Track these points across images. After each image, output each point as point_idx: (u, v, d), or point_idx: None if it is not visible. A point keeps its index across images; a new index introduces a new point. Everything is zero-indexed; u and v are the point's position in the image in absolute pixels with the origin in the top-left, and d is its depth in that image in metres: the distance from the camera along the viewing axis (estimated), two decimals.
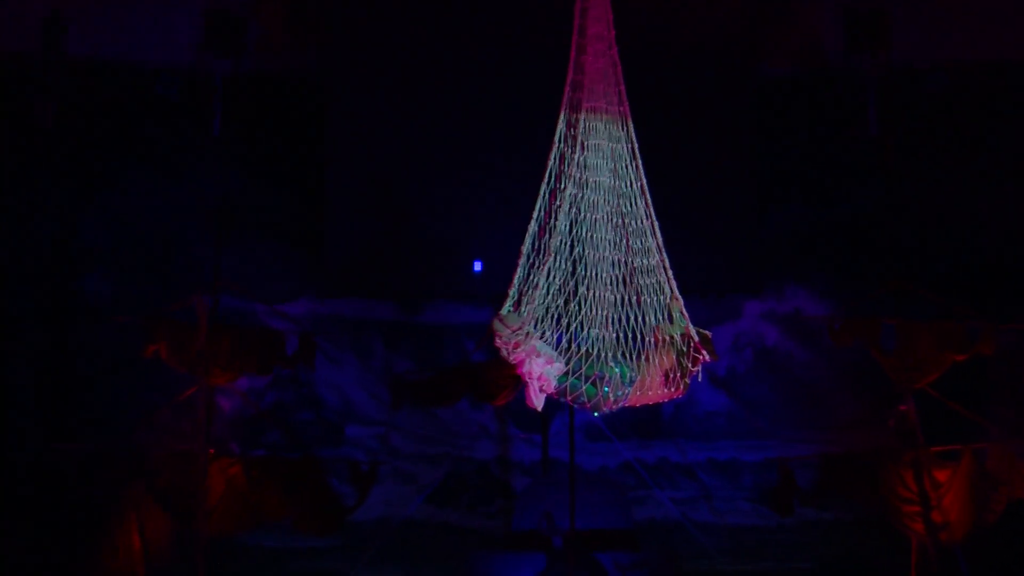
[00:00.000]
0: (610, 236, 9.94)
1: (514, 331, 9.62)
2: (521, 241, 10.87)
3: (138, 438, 14.26)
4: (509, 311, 9.85)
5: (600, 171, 10.01)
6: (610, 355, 9.73)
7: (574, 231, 9.79)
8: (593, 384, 9.72)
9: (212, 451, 13.80)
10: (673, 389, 10.34)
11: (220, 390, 14.37)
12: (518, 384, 12.37)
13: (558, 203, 9.84)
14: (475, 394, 13.71)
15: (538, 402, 9.78)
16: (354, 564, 16.54)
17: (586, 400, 9.88)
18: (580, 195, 9.85)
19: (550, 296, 9.70)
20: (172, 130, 16.79)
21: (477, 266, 16.46)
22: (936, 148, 16.76)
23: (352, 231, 16.71)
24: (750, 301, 17.48)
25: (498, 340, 9.78)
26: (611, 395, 9.83)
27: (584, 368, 9.71)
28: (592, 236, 9.85)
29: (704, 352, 10.30)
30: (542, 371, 9.61)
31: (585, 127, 10.04)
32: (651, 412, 16.00)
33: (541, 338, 9.68)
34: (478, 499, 17.30)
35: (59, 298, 16.44)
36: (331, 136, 16.73)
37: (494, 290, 13.71)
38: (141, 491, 13.52)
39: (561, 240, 9.76)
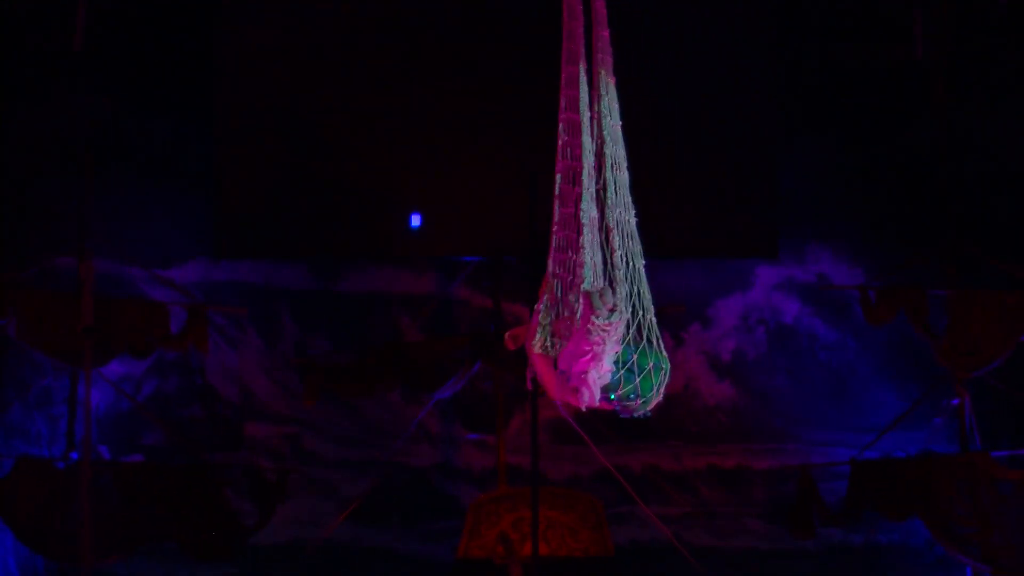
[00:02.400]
0: (630, 197, 9.46)
1: (611, 310, 8.84)
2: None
3: None
4: (595, 286, 9.03)
5: (615, 115, 9.39)
6: (662, 343, 9.06)
7: (610, 194, 9.19)
8: (648, 377, 8.85)
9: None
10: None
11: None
12: (468, 370, 13.22)
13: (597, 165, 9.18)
14: (411, 383, 13.76)
15: (594, 398, 8.72)
16: None
17: (638, 398, 8.72)
18: (615, 149, 9.23)
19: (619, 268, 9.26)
20: (21, 43, 15.82)
21: (415, 220, 15.55)
22: (1000, 74, 16.06)
23: (255, 173, 15.75)
24: (763, 266, 16.62)
25: (593, 322, 8.90)
26: (662, 392, 8.85)
27: (637, 357, 8.82)
28: (624, 197, 9.26)
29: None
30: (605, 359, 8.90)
31: (602, 60, 9.25)
32: None
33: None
34: (415, 517, 16.42)
35: None
36: (224, 46, 15.70)
37: (437, 251, 14.87)
38: None
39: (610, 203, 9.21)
